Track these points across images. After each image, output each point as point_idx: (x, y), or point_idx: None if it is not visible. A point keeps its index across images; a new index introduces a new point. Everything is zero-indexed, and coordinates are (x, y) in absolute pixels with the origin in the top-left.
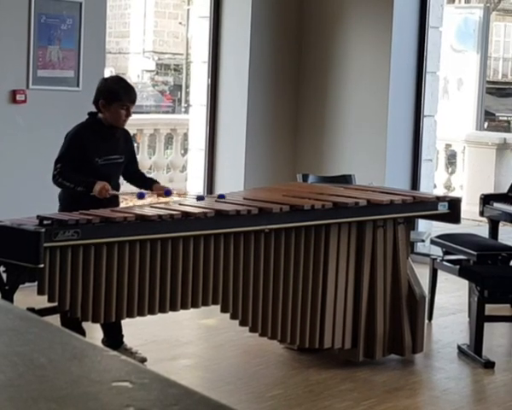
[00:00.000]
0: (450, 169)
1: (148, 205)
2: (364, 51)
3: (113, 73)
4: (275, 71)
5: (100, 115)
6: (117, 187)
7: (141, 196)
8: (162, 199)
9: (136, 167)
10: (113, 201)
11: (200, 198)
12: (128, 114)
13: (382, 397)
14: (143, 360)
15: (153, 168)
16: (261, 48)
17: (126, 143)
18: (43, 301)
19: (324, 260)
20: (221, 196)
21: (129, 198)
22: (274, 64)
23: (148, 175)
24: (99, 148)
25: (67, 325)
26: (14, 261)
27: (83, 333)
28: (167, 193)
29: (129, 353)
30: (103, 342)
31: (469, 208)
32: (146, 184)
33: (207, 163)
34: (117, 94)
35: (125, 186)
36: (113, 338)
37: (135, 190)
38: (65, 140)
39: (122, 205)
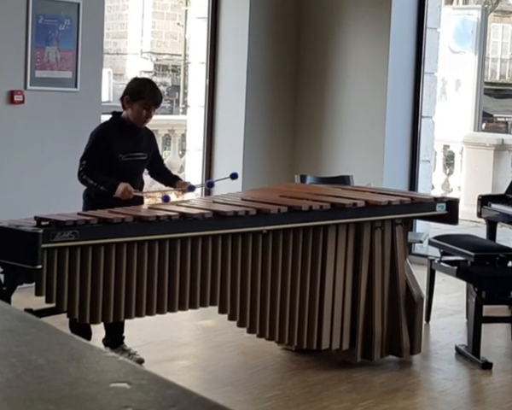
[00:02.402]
0: (448, 170)
1: (146, 206)
2: (362, 52)
3: (111, 74)
4: (273, 72)
5: (123, 114)
6: (141, 184)
7: (166, 200)
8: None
9: (162, 165)
10: (138, 200)
11: (210, 184)
12: (148, 115)
13: (380, 398)
14: (141, 362)
15: None
16: (259, 49)
17: (150, 143)
18: (40, 302)
19: (322, 260)
20: (210, 184)
21: (154, 199)
22: (272, 65)
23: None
24: (122, 144)
25: (75, 324)
26: (11, 262)
27: (89, 333)
28: (190, 188)
29: (127, 353)
30: (104, 340)
31: (467, 209)
32: (170, 180)
33: (205, 164)
34: (141, 92)
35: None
36: (114, 337)
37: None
38: (90, 138)
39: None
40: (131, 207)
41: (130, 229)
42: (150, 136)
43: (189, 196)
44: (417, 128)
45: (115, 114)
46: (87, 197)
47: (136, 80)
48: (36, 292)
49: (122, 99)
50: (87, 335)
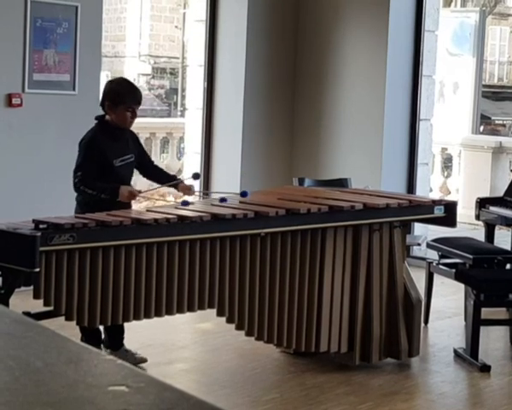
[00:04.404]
0: (446, 173)
1: (145, 209)
2: (361, 55)
3: (109, 77)
4: (271, 75)
5: (107, 117)
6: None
7: (185, 204)
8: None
9: (151, 162)
10: (127, 204)
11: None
12: (134, 116)
13: (378, 401)
14: (144, 360)
15: None
16: (257, 51)
17: (135, 143)
18: (38, 305)
19: (320, 263)
20: (222, 200)
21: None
22: (270, 68)
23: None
24: (114, 149)
25: (86, 329)
26: (9, 265)
27: (99, 338)
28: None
29: (130, 354)
30: (104, 342)
31: (465, 212)
32: (169, 179)
33: (203, 167)
34: (122, 96)
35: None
36: (114, 339)
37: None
38: (80, 147)
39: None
40: (129, 209)
41: (128, 232)
42: (134, 136)
43: (186, 198)
44: (415, 131)
45: (100, 119)
46: (85, 205)
47: (112, 83)
48: (34, 295)
49: (103, 105)
50: (97, 340)
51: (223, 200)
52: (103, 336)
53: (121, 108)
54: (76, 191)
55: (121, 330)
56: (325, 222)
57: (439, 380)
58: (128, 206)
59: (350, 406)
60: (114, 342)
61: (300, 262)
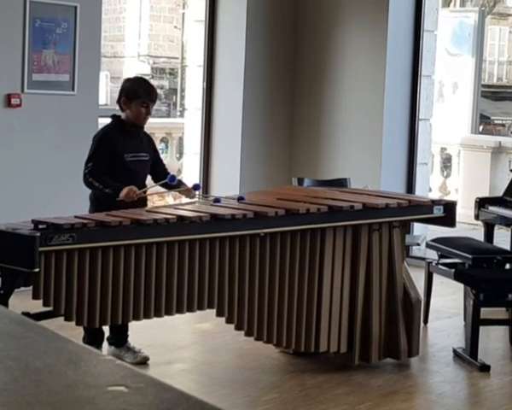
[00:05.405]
0: (445, 173)
1: (144, 209)
2: (360, 55)
3: (109, 78)
4: (270, 75)
5: (123, 116)
6: (144, 186)
7: (172, 180)
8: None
9: (165, 170)
10: (141, 201)
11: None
12: (148, 113)
13: (378, 401)
14: (146, 359)
15: None
16: (256, 52)
17: (150, 144)
18: (38, 306)
19: (320, 263)
20: (216, 200)
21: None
22: (269, 68)
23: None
24: (126, 144)
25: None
26: (9, 266)
27: (102, 339)
28: (196, 188)
29: (132, 351)
30: (108, 339)
31: (464, 212)
32: (176, 185)
33: (203, 167)
34: (136, 92)
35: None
36: (118, 336)
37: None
38: (93, 141)
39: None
40: (130, 209)
41: (127, 232)
42: (149, 138)
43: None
44: (415, 131)
45: (115, 117)
46: (95, 200)
47: (129, 80)
48: (33, 296)
49: (119, 102)
50: (100, 339)
51: (217, 200)
52: (108, 333)
53: (136, 102)
54: (85, 183)
55: (125, 328)
56: (324, 222)
57: (439, 380)
58: (143, 204)
59: (349, 406)
60: (118, 338)
61: (300, 262)
